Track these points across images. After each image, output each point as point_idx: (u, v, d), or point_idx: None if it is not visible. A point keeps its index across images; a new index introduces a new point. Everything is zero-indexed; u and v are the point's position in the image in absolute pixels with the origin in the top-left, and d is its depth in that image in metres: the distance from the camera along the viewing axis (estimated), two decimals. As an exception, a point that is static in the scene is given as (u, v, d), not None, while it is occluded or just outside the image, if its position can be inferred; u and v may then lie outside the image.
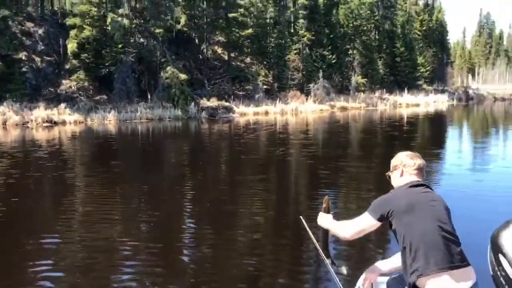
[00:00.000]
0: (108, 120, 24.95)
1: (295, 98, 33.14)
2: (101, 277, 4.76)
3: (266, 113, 31.07)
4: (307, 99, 33.86)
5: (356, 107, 35.96)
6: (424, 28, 55.80)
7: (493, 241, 2.14)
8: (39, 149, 15.66)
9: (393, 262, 2.69)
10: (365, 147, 16.16)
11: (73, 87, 28.24)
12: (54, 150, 15.40)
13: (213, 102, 30.00)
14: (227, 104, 30.39)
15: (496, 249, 2.10)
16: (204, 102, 29.78)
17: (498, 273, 2.08)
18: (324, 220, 2.71)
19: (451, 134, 21.87)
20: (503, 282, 2.06)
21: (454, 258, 2.25)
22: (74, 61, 28.71)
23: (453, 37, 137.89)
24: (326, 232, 2.75)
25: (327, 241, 2.82)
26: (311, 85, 35.51)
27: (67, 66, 29.30)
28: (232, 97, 32.26)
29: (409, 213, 2.34)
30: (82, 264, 5.07)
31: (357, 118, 29.83)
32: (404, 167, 2.61)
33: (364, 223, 2.47)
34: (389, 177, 2.70)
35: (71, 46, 28.48)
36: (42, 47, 29.98)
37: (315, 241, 2.91)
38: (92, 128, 23.12)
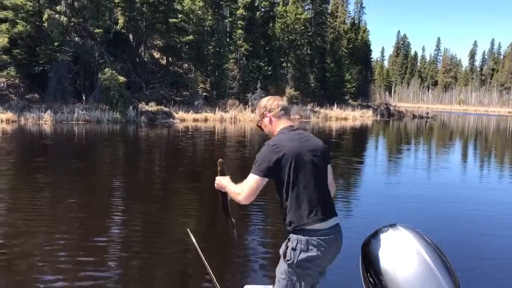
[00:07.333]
0: (43, 120, 23.86)
1: (234, 106, 33.86)
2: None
3: (206, 120, 31.43)
4: (245, 108, 34.71)
5: (291, 118, 37.40)
6: (351, 46, 59.35)
7: (363, 249, 2.26)
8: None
9: None
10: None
11: (3, 84, 26.61)
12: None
13: (152, 107, 29.75)
14: (166, 109, 30.27)
15: (365, 256, 2.22)
16: (143, 106, 29.46)
17: (367, 279, 2.18)
18: (221, 181, 2.61)
19: (373, 145, 23.84)
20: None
21: (326, 209, 2.42)
22: (5, 57, 27.06)
23: (373, 56, 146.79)
24: (225, 195, 2.67)
25: (227, 204, 2.72)
26: (249, 94, 36.45)
27: (-4, 61, 27.55)
28: (171, 102, 32.20)
29: (295, 169, 2.38)
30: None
31: (293, 128, 31.00)
32: (270, 112, 2.60)
33: (253, 183, 2.39)
34: (260, 127, 2.69)
35: (2, 40, 26.81)
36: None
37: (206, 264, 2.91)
38: (26, 128, 22.04)
